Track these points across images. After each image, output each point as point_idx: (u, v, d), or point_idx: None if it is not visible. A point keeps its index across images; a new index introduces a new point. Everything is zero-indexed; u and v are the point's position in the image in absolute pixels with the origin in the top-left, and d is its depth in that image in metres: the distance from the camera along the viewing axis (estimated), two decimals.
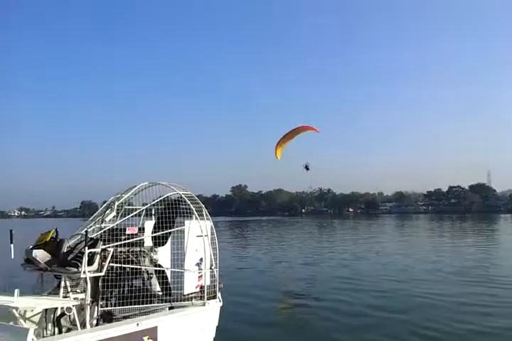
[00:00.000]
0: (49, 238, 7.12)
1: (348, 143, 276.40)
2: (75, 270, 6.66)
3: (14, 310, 6.22)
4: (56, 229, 7.35)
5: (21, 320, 6.63)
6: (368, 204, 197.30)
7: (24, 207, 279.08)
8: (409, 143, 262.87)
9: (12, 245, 7.35)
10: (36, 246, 7.05)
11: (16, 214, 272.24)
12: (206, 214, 8.43)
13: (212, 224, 8.54)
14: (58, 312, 6.72)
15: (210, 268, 8.13)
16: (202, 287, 8.05)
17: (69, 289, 6.88)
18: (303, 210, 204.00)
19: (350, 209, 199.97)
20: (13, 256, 7.28)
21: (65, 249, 7.15)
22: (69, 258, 6.85)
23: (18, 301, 6.29)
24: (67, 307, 6.45)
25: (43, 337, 6.88)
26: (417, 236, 47.72)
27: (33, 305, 6.35)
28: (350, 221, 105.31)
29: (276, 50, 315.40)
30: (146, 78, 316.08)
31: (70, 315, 6.60)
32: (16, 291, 6.46)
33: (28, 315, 6.91)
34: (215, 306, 8.07)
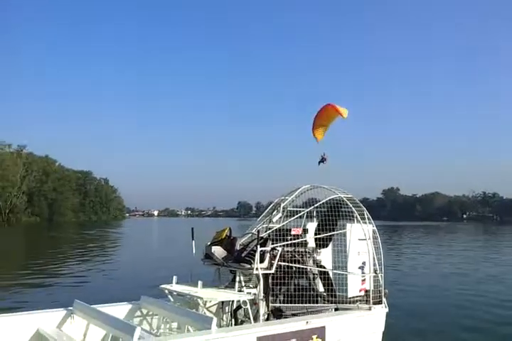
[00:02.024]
0: (224, 235, 7.78)
1: None
2: (249, 266, 7.14)
3: (199, 300, 6.95)
4: (230, 228, 8.00)
5: (203, 310, 7.39)
6: None
7: (190, 207, 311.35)
8: None
9: (193, 241, 8.23)
10: (213, 243, 7.76)
11: (183, 213, 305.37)
12: (368, 218, 8.32)
13: (375, 227, 8.40)
14: (234, 305, 7.30)
15: (375, 273, 8.01)
16: (367, 291, 7.96)
17: (243, 284, 7.41)
18: (463, 216, 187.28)
19: None
20: (194, 251, 8.14)
21: (238, 247, 7.74)
22: (242, 255, 7.39)
23: (201, 292, 7.01)
24: (243, 301, 6.97)
25: (220, 326, 7.56)
26: None
27: (214, 296, 7.01)
28: None
29: None
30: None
31: (244, 308, 7.11)
32: (200, 283, 7.21)
33: (207, 304, 7.66)
34: (381, 311, 7.92)
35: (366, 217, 8.29)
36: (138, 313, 7.65)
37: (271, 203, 9.01)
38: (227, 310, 7.86)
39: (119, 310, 7.39)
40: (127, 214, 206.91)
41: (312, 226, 8.31)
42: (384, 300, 8.05)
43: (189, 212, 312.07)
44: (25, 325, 6.72)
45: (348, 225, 8.17)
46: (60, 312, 7.10)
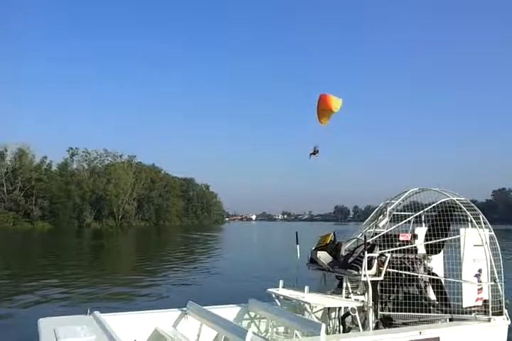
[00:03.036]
0: (328, 241, 7.72)
1: None
2: (356, 273, 7.01)
3: (306, 305, 6.96)
4: (334, 233, 7.92)
5: (309, 315, 7.37)
6: None
7: (286, 211, 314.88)
8: None
9: (298, 246, 8.28)
10: (318, 248, 7.74)
11: (280, 217, 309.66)
12: (485, 222, 7.75)
13: (492, 233, 7.79)
14: (342, 312, 7.19)
15: (494, 282, 7.42)
16: (485, 301, 7.39)
17: (350, 290, 7.29)
18: None
19: None
20: (298, 256, 8.19)
21: (343, 252, 7.64)
22: (349, 261, 7.27)
23: (308, 297, 7.02)
24: (351, 308, 6.85)
25: (327, 333, 7.49)
26: None
27: (322, 302, 6.98)
28: None
29: None
30: None
31: (352, 315, 6.98)
32: (306, 288, 7.23)
33: (314, 310, 7.64)
34: (501, 323, 7.31)
35: (482, 221, 7.73)
36: (246, 316, 7.85)
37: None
38: (333, 316, 7.77)
39: (228, 312, 7.64)
40: (227, 219, 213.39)
41: (422, 231, 7.93)
42: (505, 311, 7.43)
43: (285, 216, 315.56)
44: (145, 323, 7.22)
45: (462, 230, 7.69)
46: (175, 312, 7.51)
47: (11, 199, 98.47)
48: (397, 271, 7.30)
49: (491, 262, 7.47)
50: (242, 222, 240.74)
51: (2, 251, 38.68)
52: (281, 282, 7.82)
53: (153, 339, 7.18)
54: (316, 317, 7.76)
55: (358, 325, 6.95)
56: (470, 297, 7.46)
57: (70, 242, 51.27)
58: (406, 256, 7.51)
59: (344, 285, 7.27)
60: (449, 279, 7.60)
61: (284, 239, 57.39)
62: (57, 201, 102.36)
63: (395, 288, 7.33)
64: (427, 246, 7.73)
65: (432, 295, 7.59)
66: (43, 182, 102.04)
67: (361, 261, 6.98)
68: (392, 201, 8.42)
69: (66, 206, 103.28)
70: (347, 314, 7.05)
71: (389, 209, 8.21)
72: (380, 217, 8.28)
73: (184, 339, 6.77)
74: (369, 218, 8.53)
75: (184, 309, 7.55)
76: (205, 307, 7.39)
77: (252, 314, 7.83)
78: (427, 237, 7.79)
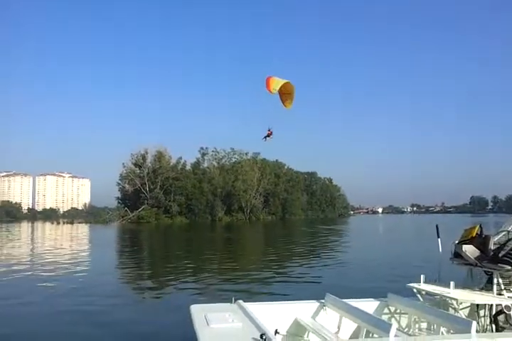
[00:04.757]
0: (474, 233, 7.21)
1: None
2: (509, 268, 6.46)
3: (452, 301, 6.58)
4: (480, 225, 7.37)
5: (455, 311, 6.96)
6: None
7: (415, 203, 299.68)
8: None
9: (439, 239, 7.86)
10: (463, 241, 7.26)
11: (409, 210, 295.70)
12: None
13: None
14: (493, 310, 6.67)
15: None
16: None
17: (502, 287, 6.73)
18: None
19: None
20: (440, 250, 7.78)
21: (491, 246, 7.07)
22: (500, 255, 6.72)
23: (454, 293, 6.63)
24: (505, 306, 6.33)
25: (476, 331, 6.99)
26: None
27: (470, 298, 6.56)
28: None
29: None
30: None
31: (507, 314, 6.44)
32: (452, 283, 6.84)
33: (460, 306, 7.20)
34: None
35: None
36: (386, 310, 7.69)
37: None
38: (482, 314, 7.24)
39: (367, 306, 7.54)
40: (351, 212, 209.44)
41: None
42: None
43: (415, 208, 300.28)
44: (285, 313, 7.47)
45: None
46: (314, 304, 7.64)
47: (152, 197, 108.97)
48: None
49: None
50: (368, 215, 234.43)
51: (151, 244, 43.04)
52: (422, 277, 7.51)
53: (294, 329, 7.39)
54: (464, 315, 7.31)
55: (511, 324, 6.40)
56: None
57: (205, 235, 55.00)
58: None
59: (495, 281, 6.75)
60: None
61: (417, 232, 54.66)
62: (192, 197, 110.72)
63: None
64: None
65: None
66: (180, 181, 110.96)
67: None
68: None
69: (200, 202, 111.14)
70: (500, 312, 6.52)
71: None
72: None
73: (324, 330, 6.86)
74: None
75: (322, 301, 7.64)
76: (343, 300, 7.40)
77: (392, 308, 7.64)
78: None
